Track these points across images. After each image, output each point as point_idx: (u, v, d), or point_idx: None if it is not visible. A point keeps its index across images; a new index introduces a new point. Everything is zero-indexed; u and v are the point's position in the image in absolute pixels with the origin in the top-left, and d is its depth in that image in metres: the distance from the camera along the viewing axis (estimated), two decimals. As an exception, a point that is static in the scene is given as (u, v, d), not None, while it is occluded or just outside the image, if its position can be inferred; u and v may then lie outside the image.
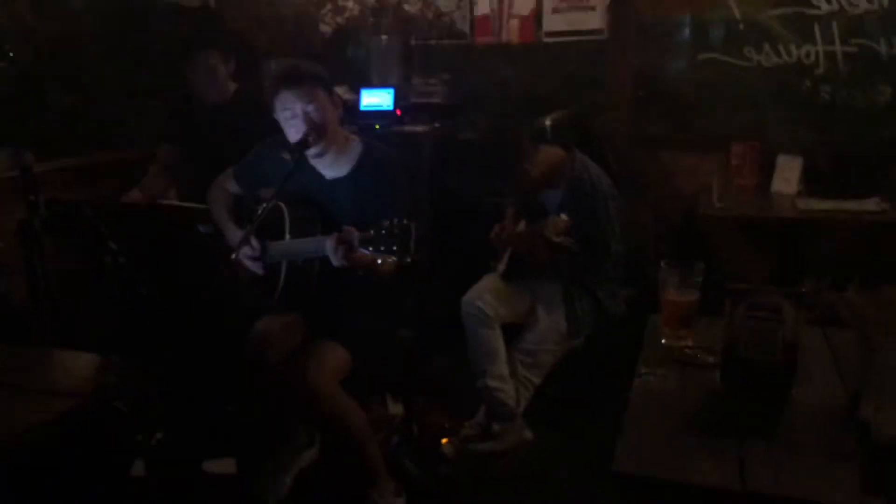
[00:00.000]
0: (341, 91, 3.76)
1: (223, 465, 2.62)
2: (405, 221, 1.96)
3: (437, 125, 3.64)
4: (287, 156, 2.33)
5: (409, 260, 1.97)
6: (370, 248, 1.99)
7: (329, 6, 3.74)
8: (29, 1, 5.59)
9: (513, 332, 2.78)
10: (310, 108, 2.31)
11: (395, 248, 1.95)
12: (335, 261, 2.12)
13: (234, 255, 2.34)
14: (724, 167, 3.50)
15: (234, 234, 2.50)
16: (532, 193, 2.81)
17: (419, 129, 3.61)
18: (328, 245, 2.12)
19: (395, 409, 2.97)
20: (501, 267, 2.85)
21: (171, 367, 2.20)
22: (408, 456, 2.61)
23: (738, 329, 1.51)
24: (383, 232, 1.97)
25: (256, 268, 2.35)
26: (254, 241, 2.34)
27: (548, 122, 2.83)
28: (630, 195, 3.04)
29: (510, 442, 2.68)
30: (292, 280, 2.36)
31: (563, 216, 2.52)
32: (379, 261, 2.08)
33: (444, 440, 2.73)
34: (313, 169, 2.45)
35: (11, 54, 4.92)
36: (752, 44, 3.52)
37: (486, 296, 2.72)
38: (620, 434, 1.34)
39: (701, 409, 1.49)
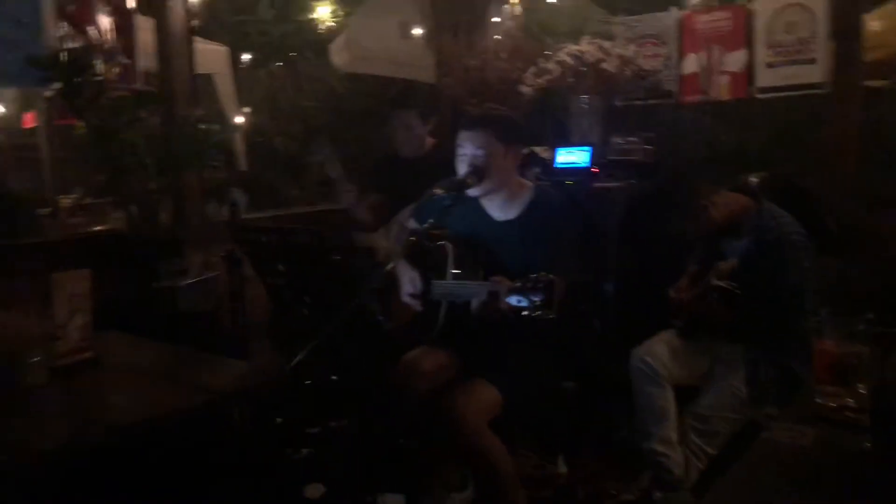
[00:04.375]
0: (540, 150, 3.83)
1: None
2: (550, 276, 2.00)
3: (633, 182, 3.55)
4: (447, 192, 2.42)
5: (550, 316, 1.99)
6: (515, 301, 2.02)
7: (532, 69, 3.85)
8: (297, 85, 6.51)
9: (688, 396, 2.57)
10: (477, 152, 2.40)
11: (537, 301, 1.97)
12: (483, 311, 2.17)
13: (403, 293, 2.46)
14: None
15: (405, 269, 2.62)
16: (712, 240, 2.61)
17: (613, 184, 3.54)
18: (478, 291, 2.18)
19: (564, 470, 2.86)
20: (679, 323, 2.67)
21: (329, 388, 2.33)
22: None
23: (891, 380, 1.27)
24: (529, 284, 2.00)
25: (415, 304, 2.44)
26: (416, 279, 2.44)
27: (753, 180, 2.66)
28: (851, 257, 2.72)
29: (671, 513, 2.45)
30: (451, 318, 2.41)
31: (732, 261, 2.31)
32: (525, 313, 2.08)
33: (604, 504, 2.57)
34: (483, 210, 2.52)
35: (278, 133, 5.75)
36: None
37: (657, 351, 2.56)
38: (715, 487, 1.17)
39: (836, 472, 1.26)
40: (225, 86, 5.69)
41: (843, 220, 2.95)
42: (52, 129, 5.27)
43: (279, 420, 2.79)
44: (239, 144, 5.44)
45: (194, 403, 1.74)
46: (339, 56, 5.33)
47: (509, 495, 2.27)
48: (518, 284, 2.07)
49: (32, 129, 5.79)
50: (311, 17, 6.28)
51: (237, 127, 4.74)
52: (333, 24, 6.20)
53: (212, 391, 1.76)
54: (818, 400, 1.51)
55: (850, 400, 1.48)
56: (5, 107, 5.96)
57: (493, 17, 4.68)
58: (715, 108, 3.84)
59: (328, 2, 6.25)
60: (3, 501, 1.45)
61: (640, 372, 2.55)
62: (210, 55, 5.23)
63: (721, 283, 2.30)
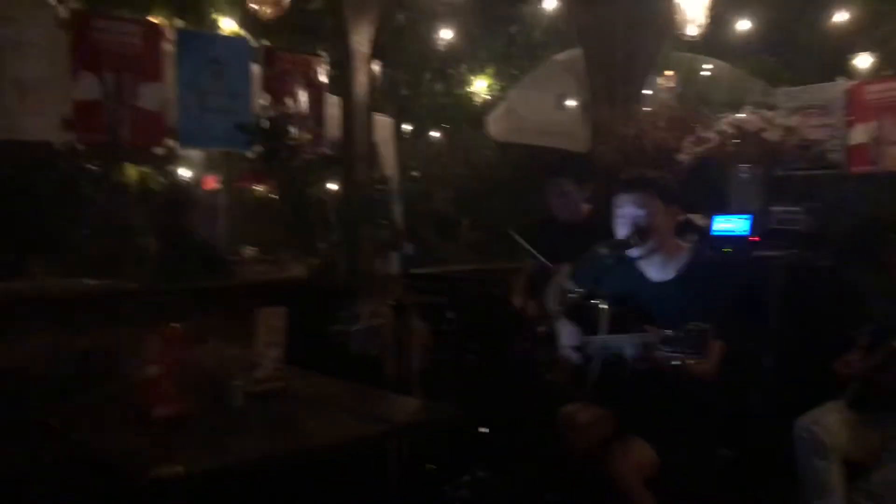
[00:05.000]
0: (697, 217, 3.84)
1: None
2: (704, 325, 2.01)
3: (793, 251, 3.48)
4: (610, 253, 2.50)
5: (701, 361, 2.00)
6: (667, 349, 2.06)
7: (691, 137, 3.91)
8: (458, 158, 6.90)
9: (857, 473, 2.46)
10: (639, 212, 2.49)
11: (688, 350, 2.00)
12: (637, 358, 2.22)
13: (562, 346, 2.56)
14: None
15: (564, 325, 2.71)
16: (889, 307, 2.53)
17: (774, 253, 3.49)
18: (632, 341, 2.23)
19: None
20: (851, 394, 2.57)
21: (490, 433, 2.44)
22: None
23: None
24: (682, 334, 2.03)
25: (574, 356, 2.52)
26: (575, 333, 2.52)
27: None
28: None
29: None
30: (606, 373, 2.47)
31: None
32: (676, 363, 2.10)
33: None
34: (640, 271, 2.59)
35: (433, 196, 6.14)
36: None
37: (825, 421, 2.48)
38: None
39: None
40: (388, 153, 6.12)
41: None
42: (230, 191, 5.87)
43: (431, 466, 2.94)
44: (398, 206, 5.81)
45: (373, 432, 1.91)
46: (496, 126, 5.61)
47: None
48: (671, 333, 2.10)
49: (212, 192, 6.43)
50: (468, 90, 6.68)
51: (398, 191, 5.09)
52: (489, 97, 6.56)
53: (387, 422, 1.92)
54: None
55: None
56: (191, 170, 6.69)
57: (649, 88, 4.80)
58: (881, 179, 3.71)
59: (486, 76, 6.63)
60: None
61: (805, 442, 2.47)
62: (377, 125, 5.67)
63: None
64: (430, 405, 2.05)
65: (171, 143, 3.68)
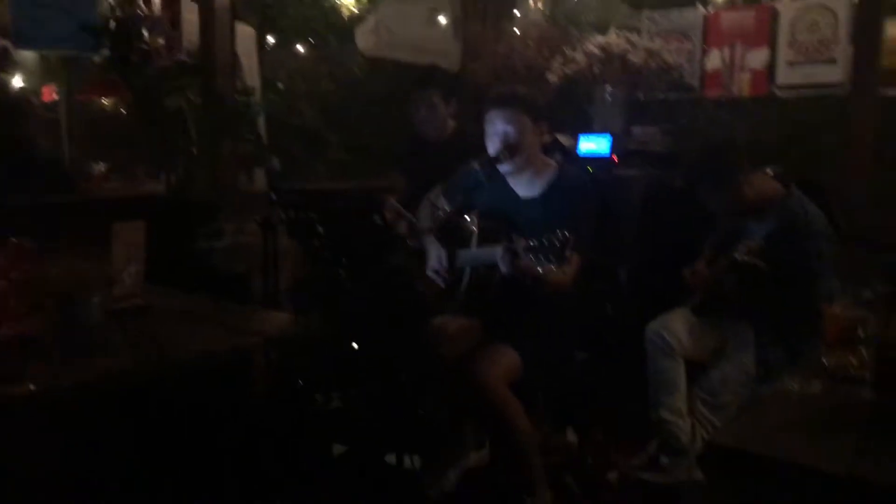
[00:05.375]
0: (563, 138, 3.94)
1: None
2: (565, 233, 2.07)
3: (650, 171, 3.66)
4: (481, 169, 2.53)
5: (563, 269, 2.07)
6: (531, 257, 2.12)
7: (559, 58, 3.98)
8: (325, 72, 6.66)
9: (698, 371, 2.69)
10: (508, 128, 2.52)
11: (551, 257, 2.06)
12: (502, 267, 2.28)
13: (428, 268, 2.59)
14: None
15: (432, 245, 2.75)
16: (733, 221, 2.72)
17: (633, 173, 3.66)
18: (498, 252, 2.29)
19: (574, 440, 2.99)
20: (695, 301, 2.78)
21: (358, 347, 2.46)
22: (571, 473, 2.60)
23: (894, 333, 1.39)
24: (544, 242, 2.09)
25: (438, 280, 2.57)
26: (443, 256, 2.56)
27: (769, 172, 2.76)
28: (860, 254, 2.82)
29: (677, 477, 2.57)
30: (474, 287, 2.54)
31: (759, 241, 2.43)
32: (540, 270, 2.17)
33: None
34: (509, 187, 2.64)
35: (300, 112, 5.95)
36: None
37: (672, 326, 2.68)
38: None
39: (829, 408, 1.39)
40: (251, 65, 5.82)
41: (853, 219, 3.06)
42: (71, 104, 5.39)
43: (301, 383, 2.93)
44: (262, 120, 5.58)
45: (241, 344, 1.87)
46: (365, 40, 5.44)
47: (527, 455, 2.40)
48: (535, 243, 2.16)
49: (51, 103, 5.89)
50: (336, 1, 6.43)
51: (263, 104, 4.88)
52: (357, 10, 6.35)
53: (256, 334, 1.89)
54: (825, 359, 1.64)
55: (854, 359, 1.61)
56: (25, 79, 6.07)
57: (518, 8, 4.80)
58: (735, 104, 3.94)
59: (354, -12, 6.40)
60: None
61: (654, 345, 2.67)
62: (238, 35, 5.36)
63: (749, 259, 2.41)
64: (300, 318, 2.03)
65: (4, 43, 3.32)
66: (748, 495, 1.15)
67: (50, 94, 5.89)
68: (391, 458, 2.73)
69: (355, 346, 2.86)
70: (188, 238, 2.92)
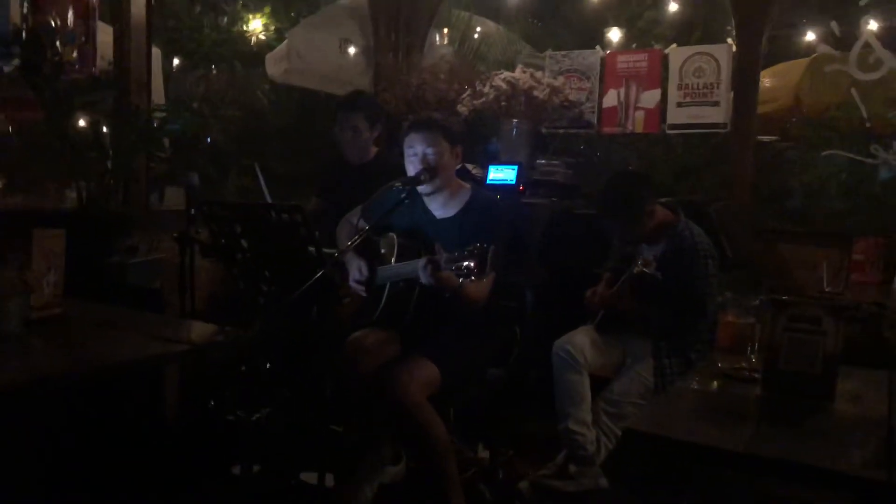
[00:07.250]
0: (472, 167, 4.11)
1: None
2: (484, 245, 2.20)
3: (554, 199, 3.89)
4: (402, 188, 2.64)
5: (483, 279, 2.20)
6: (452, 268, 2.24)
7: (468, 91, 4.17)
8: (228, 99, 6.63)
9: (601, 385, 2.87)
10: (429, 150, 2.65)
11: (472, 267, 2.18)
12: (423, 278, 2.38)
13: (350, 279, 2.66)
14: (841, 259, 3.46)
15: (353, 258, 2.82)
16: (634, 245, 2.95)
17: (537, 201, 3.87)
18: (420, 264, 2.39)
19: (485, 455, 3.10)
20: (597, 319, 2.98)
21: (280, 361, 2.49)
22: (484, 483, 2.71)
23: (779, 340, 1.58)
24: (465, 253, 2.22)
25: (360, 290, 2.64)
26: (363, 266, 2.64)
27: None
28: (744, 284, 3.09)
29: (584, 485, 2.73)
30: (393, 301, 2.63)
31: (651, 256, 2.67)
32: (461, 280, 2.29)
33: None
34: (426, 208, 2.77)
35: (209, 139, 5.92)
36: (879, 141, 3.53)
37: (577, 342, 2.86)
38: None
39: (727, 402, 1.57)
40: (157, 86, 5.73)
41: (735, 246, 3.37)
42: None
43: (212, 403, 2.92)
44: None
45: (156, 351, 1.88)
46: (276, 67, 5.48)
47: (445, 468, 2.48)
48: (455, 254, 2.27)
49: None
50: (243, 28, 6.45)
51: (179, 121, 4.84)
52: (264, 37, 6.39)
53: (172, 341, 1.90)
54: (720, 363, 1.84)
55: (744, 363, 1.81)
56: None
57: (430, 41, 4.99)
58: (629, 140, 4.25)
59: (262, 16, 6.45)
60: None
61: (560, 359, 2.84)
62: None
63: (646, 270, 2.63)
64: (217, 328, 2.05)
65: None
66: (664, 470, 1.30)
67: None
68: (307, 476, 2.75)
69: (268, 365, 2.88)
70: (101, 253, 2.87)
